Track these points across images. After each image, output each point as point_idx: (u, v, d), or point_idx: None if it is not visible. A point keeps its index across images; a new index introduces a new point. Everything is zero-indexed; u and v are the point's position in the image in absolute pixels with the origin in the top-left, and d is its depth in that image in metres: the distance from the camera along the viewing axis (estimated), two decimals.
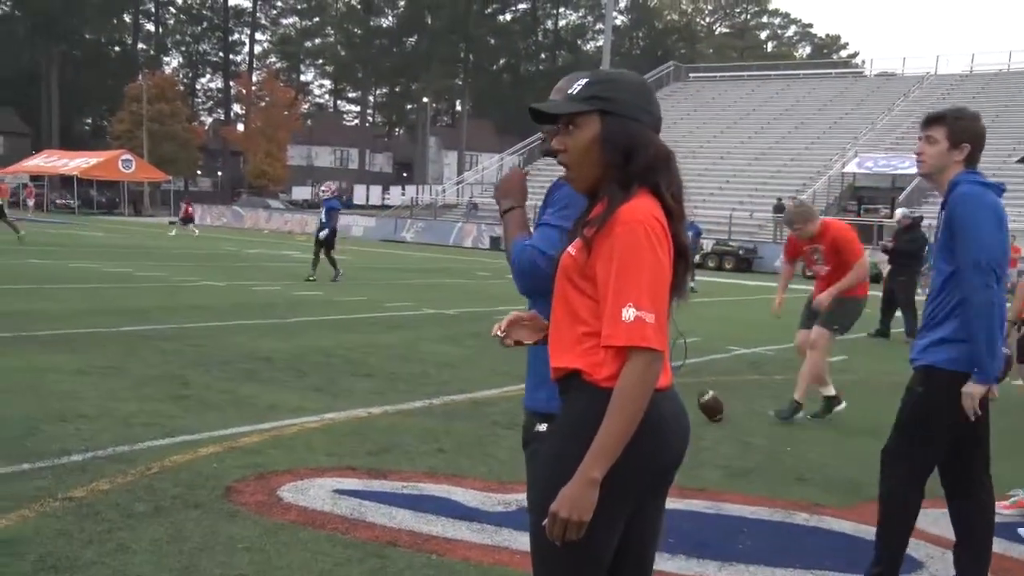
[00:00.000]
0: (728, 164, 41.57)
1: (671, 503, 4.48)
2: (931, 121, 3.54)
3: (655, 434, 1.97)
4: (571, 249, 2.05)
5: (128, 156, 51.57)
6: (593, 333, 1.98)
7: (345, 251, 27.86)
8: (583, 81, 2.11)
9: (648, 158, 2.00)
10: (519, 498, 4.42)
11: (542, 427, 2.63)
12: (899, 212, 14.13)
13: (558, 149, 2.09)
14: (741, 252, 31.25)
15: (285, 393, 6.71)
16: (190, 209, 35.55)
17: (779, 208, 30.15)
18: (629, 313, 1.89)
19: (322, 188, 18.32)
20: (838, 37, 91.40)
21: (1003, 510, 4.36)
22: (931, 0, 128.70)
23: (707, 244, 32.53)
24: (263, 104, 64.91)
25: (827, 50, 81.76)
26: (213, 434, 5.39)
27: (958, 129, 3.45)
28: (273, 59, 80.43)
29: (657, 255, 1.92)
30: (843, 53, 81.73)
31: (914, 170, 20.37)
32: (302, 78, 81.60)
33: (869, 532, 4.37)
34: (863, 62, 76.29)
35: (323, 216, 16.82)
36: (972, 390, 3.36)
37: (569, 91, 2.11)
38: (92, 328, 9.25)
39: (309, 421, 5.88)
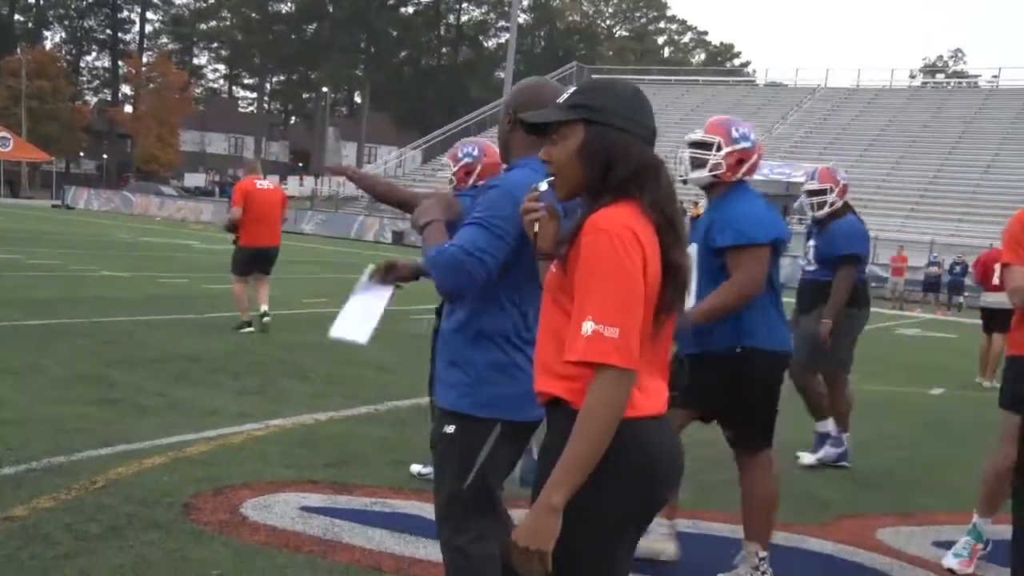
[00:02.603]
0: None
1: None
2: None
3: (643, 467, 1.88)
4: (552, 266, 1.97)
5: (5, 133, 48.71)
6: None
7: None
8: (571, 89, 2.04)
9: (628, 170, 1.90)
10: None
11: (450, 429, 2.56)
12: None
13: (544, 159, 2.01)
14: None
15: (223, 397, 6.35)
16: None
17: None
18: (587, 327, 1.78)
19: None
20: (732, 45, 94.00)
21: None
22: (820, 15, 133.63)
23: None
24: (154, 86, 62.44)
25: (720, 58, 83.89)
26: (156, 443, 5.03)
27: (510, 99, 2.89)
28: (165, 40, 77.53)
29: (624, 266, 1.80)
30: (736, 61, 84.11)
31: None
32: (195, 61, 78.96)
33: (846, 552, 4.39)
34: (754, 71, 78.54)
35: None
36: None
37: (558, 100, 2.03)
38: None
39: (254, 429, 5.57)
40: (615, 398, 1.78)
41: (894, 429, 7.48)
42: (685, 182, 3.51)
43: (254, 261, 9.79)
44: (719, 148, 3.65)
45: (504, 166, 2.81)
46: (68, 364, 6.96)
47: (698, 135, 3.75)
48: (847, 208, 5.84)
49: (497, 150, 5.88)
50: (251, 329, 9.47)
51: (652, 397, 1.92)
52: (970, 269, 23.36)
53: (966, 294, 24.68)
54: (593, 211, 1.89)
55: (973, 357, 11.67)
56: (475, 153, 4.59)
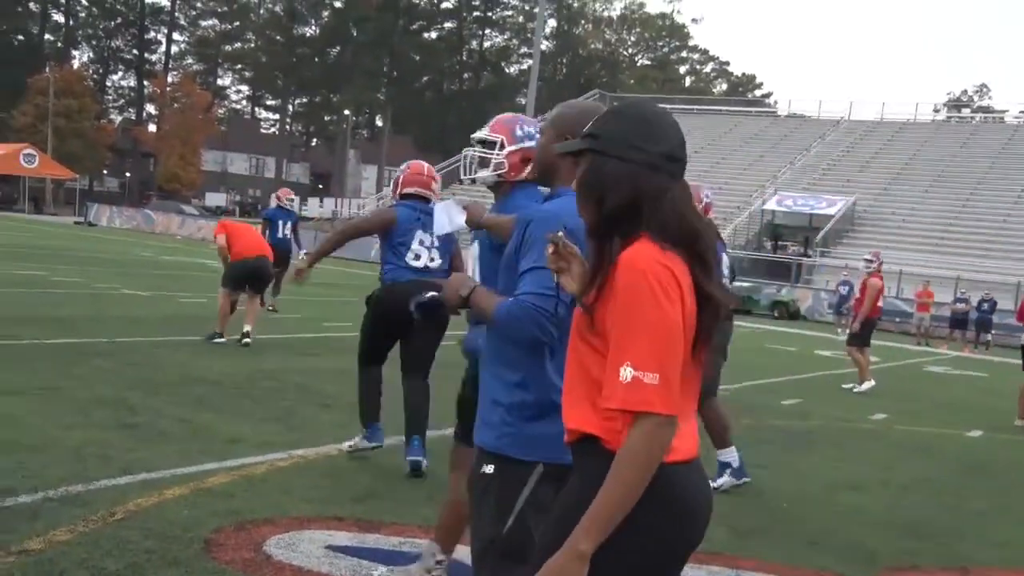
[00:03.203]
0: None
1: (689, 570, 4.20)
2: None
3: (675, 514, 1.80)
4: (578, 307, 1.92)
5: (31, 151, 49.13)
6: None
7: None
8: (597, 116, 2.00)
9: (620, 200, 1.83)
10: None
11: (488, 468, 2.41)
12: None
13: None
14: None
15: (244, 424, 6.17)
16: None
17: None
18: (626, 373, 1.71)
19: (282, 195, 14.72)
20: (754, 76, 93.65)
21: None
22: (843, 49, 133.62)
23: None
24: (178, 106, 62.94)
25: (742, 88, 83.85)
26: (176, 472, 4.85)
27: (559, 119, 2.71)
28: (190, 60, 78.24)
29: (662, 307, 1.73)
30: (757, 92, 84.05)
31: (830, 210, 21.45)
32: (219, 82, 79.58)
33: None
34: (775, 102, 78.47)
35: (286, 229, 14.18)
36: None
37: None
38: (16, 340, 8.49)
39: (278, 458, 5.39)
40: (657, 446, 1.71)
41: (935, 473, 7.21)
42: (474, 181, 3.49)
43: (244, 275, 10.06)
44: (502, 147, 3.49)
45: (545, 190, 2.67)
46: (89, 386, 6.81)
47: (483, 133, 3.60)
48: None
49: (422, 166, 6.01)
50: (223, 340, 9.69)
51: (686, 440, 1.85)
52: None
53: (994, 331, 24.30)
54: (610, 249, 1.82)
55: (1008, 397, 11.39)
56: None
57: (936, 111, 61.12)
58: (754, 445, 7.27)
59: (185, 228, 42.83)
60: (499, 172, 3.49)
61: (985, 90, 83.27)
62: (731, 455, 5.91)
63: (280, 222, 14.09)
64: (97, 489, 4.44)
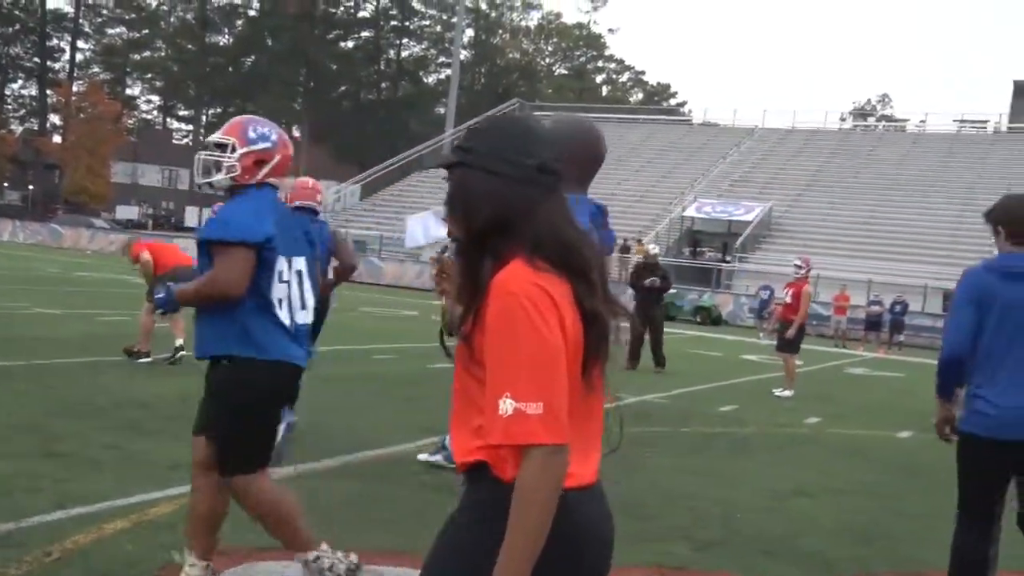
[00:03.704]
0: None
1: None
2: None
3: (576, 545, 1.71)
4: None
5: None
6: None
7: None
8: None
9: (487, 216, 1.72)
10: None
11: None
12: (651, 247, 14.79)
13: None
14: None
15: (181, 448, 5.83)
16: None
17: (625, 249, 30.76)
18: (507, 406, 1.61)
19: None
20: (668, 85, 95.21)
21: None
22: (755, 59, 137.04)
23: None
24: (84, 116, 60.88)
25: (657, 97, 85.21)
26: (114, 504, 4.60)
27: None
28: (96, 69, 75.85)
29: (539, 332, 1.62)
30: (672, 101, 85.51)
31: (747, 216, 21.82)
32: (128, 91, 77.36)
33: None
34: (690, 111, 79.82)
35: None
36: None
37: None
38: None
39: None
40: (550, 478, 1.61)
41: (873, 476, 7.33)
42: (211, 185, 3.50)
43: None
44: (233, 150, 3.50)
45: None
46: (6, 411, 6.45)
47: (216, 136, 3.61)
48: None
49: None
50: (149, 360, 9.41)
51: (582, 465, 1.74)
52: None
53: (907, 332, 25.09)
54: (482, 272, 1.71)
55: (928, 399, 11.68)
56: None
57: (843, 119, 63.08)
58: (700, 452, 7.29)
59: (96, 242, 41.48)
60: (232, 175, 3.45)
61: (887, 99, 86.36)
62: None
63: None
64: (29, 527, 4.17)
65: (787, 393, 11.51)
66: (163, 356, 9.47)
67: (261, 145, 3.49)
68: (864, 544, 5.32)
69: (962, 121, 50.18)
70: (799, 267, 11.84)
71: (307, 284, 3.66)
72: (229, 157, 3.46)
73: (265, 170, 3.51)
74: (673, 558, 4.59)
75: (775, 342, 12.52)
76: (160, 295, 3.57)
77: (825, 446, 8.46)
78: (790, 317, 11.44)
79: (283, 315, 3.50)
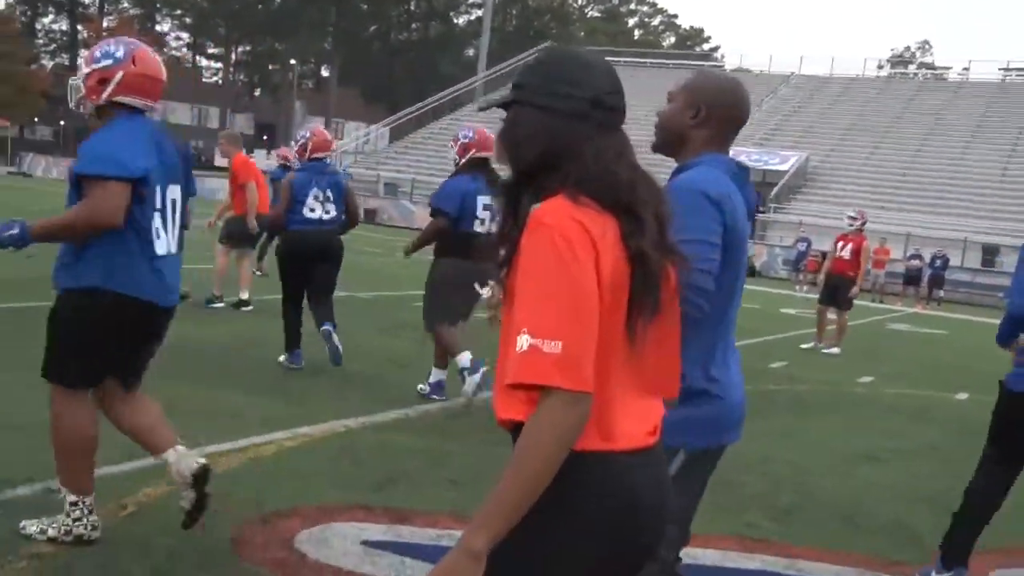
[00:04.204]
0: None
1: (745, 560, 4.01)
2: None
3: (621, 514, 1.58)
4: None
5: None
6: None
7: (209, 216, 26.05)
8: None
9: (533, 152, 1.65)
10: None
11: None
12: None
13: None
14: None
15: (240, 397, 5.81)
16: None
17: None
18: (523, 341, 1.49)
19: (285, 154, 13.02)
20: (702, 30, 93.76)
21: None
22: (791, 3, 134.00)
23: None
24: None
25: (690, 42, 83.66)
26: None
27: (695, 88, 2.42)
28: (126, 4, 75.28)
29: (568, 268, 1.51)
30: (705, 46, 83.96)
31: (783, 166, 21.58)
32: (158, 28, 76.84)
33: None
34: (723, 56, 78.29)
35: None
36: None
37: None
38: None
39: (284, 438, 5.05)
40: (557, 427, 1.48)
41: (940, 440, 7.13)
42: (79, 107, 3.39)
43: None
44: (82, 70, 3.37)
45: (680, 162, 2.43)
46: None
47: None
48: (466, 167, 6.17)
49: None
50: (221, 305, 9.51)
51: (632, 425, 1.63)
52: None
53: (946, 288, 24.67)
54: (519, 209, 1.63)
55: (978, 357, 11.46)
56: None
57: (880, 67, 61.65)
58: (764, 413, 7.12)
59: None
60: (77, 97, 3.34)
61: (927, 47, 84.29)
62: (464, 360, 6.06)
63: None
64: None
65: (835, 350, 11.27)
66: (231, 299, 9.39)
67: (104, 63, 3.30)
68: (945, 513, 5.14)
69: (1007, 69, 48.85)
70: (854, 219, 11.50)
71: (178, 214, 3.53)
72: (74, 79, 3.37)
73: (109, 88, 3.29)
74: (754, 529, 4.44)
75: (816, 295, 12.23)
76: (12, 231, 3.24)
77: (884, 407, 8.26)
78: (849, 272, 11.08)
79: (158, 246, 3.37)
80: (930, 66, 66.43)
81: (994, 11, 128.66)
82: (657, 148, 2.48)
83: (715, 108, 2.35)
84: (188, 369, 6.43)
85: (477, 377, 5.90)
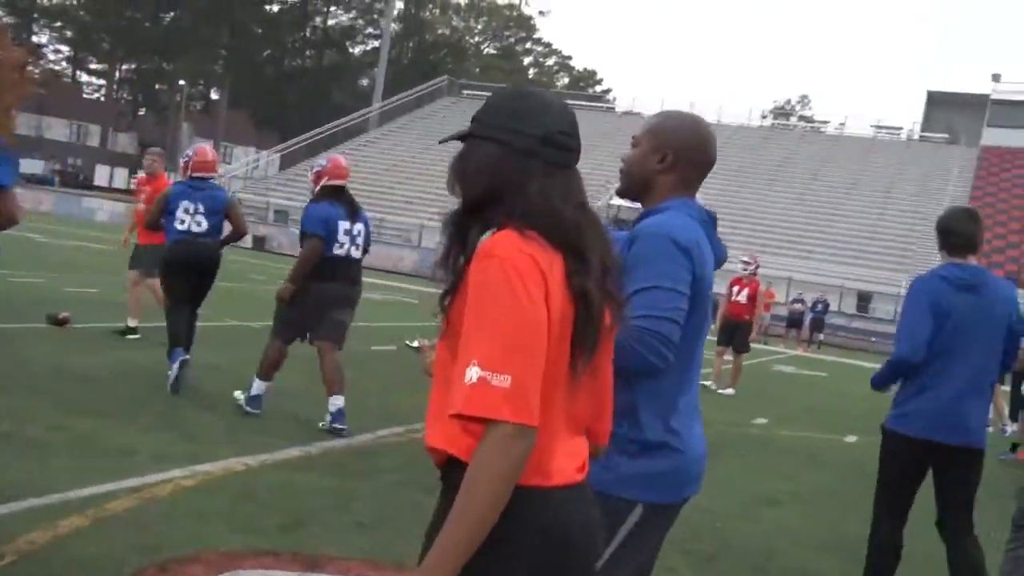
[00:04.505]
0: None
1: None
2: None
3: (554, 549, 1.55)
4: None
5: None
6: None
7: (99, 239, 25.00)
8: None
9: (479, 186, 1.65)
10: None
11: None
12: None
13: None
14: None
15: (130, 431, 5.46)
16: None
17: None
18: (472, 373, 1.48)
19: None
20: (594, 72, 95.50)
21: None
22: (681, 52, 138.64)
23: None
24: None
25: (583, 83, 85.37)
26: (69, 496, 4.17)
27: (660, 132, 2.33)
28: (0, 13, 72.00)
29: (519, 301, 1.50)
30: (597, 88, 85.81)
31: None
32: (35, 39, 73.66)
33: None
34: (614, 98, 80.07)
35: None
36: None
37: None
38: None
39: (180, 477, 4.74)
40: (504, 461, 1.46)
41: (836, 484, 7.30)
42: None
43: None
44: None
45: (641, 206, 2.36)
46: None
47: None
48: (324, 194, 6.44)
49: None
50: (137, 336, 8.96)
51: (566, 461, 1.62)
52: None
53: (827, 331, 25.62)
54: (466, 240, 1.63)
55: (859, 399, 11.85)
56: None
57: (764, 117, 64.14)
58: None
59: None
60: None
61: (807, 100, 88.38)
62: (257, 387, 6.40)
63: None
64: None
65: (730, 391, 11.49)
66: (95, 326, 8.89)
67: None
68: (850, 560, 5.21)
69: (879, 127, 51.55)
70: (748, 263, 11.80)
71: None
72: None
73: None
74: (673, 574, 4.39)
75: (715, 338, 12.48)
76: None
77: (779, 449, 8.41)
78: (745, 316, 11.34)
79: None
80: (809, 119, 69.50)
81: (867, 70, 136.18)
82: (622, 193, 2.41)
83: (682, 152, 2.28)
84: (72, 399, 6.02)
85: (243, 403, 6.38)
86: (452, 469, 1.56)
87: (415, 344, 2.39)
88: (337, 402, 6.22)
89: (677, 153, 2.28)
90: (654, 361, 2.08)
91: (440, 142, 1.99)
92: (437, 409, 1.60)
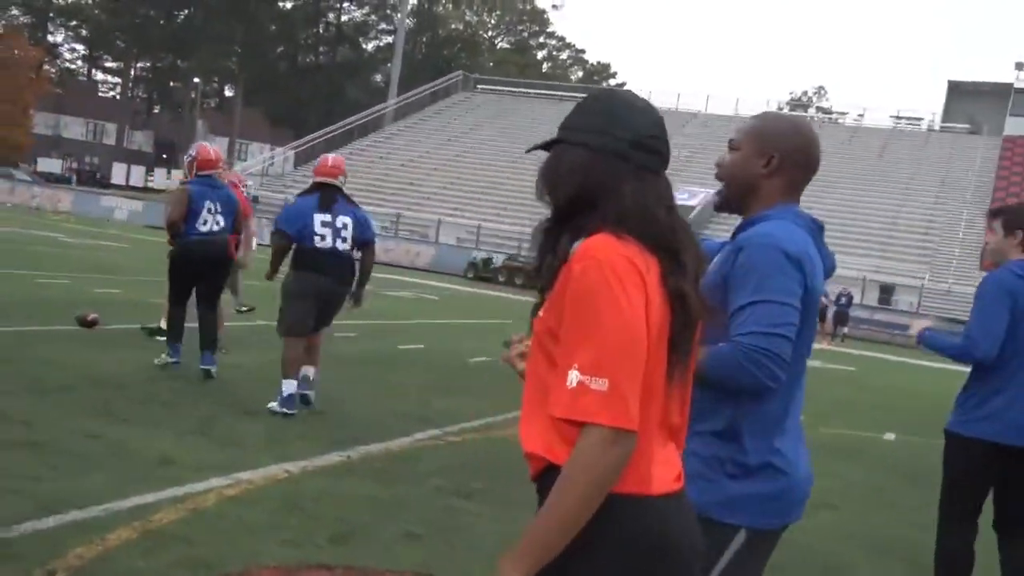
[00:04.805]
0: (521, 179, 41.80)
1: None
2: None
3: (646, 556, 1.53)
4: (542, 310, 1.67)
5: None
6: None
7: (118, 238, 25.01)
8: None
9: (571, 190, 1.64)
10: None
11: None
12: None
13: None
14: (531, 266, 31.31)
15: (168, 439, 5.33)
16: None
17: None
18: (573, 377, 1.48)
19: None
20: (608, 65, 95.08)
21: None
22: (697, 45, 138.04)
23: (498, 259, 32.41)
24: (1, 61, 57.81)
25: (597, 77, 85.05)
26: (112, 507, 4.04)
27: (764, 133, 2.20)
28: (15, 12, 72.19)
29: (619, 305, 1.49)
30: (611, 81, 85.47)
31: (691, 201, 22.12)
32: (51, 39, 73.88)
33: None
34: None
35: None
36: None
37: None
38: None
39: (222, 485, 4.61)
40: (600, 463, 1.46)
41: (883, 481, 7.14)
42: None
43: None
44: None
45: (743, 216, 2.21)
46: None
47: None
48: (311, 190, 6.77)
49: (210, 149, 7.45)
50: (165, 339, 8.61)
51: (663, 469, 1.60)
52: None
53: (851, 324, 25.37)
54: (559, 244, 1.62)
55: (892, 394, 11.66)
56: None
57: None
58: None
59: (16, 195, 39.56)
60: None
61: (823, 92, 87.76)
62: (288, 387, 6.38)
63: None
64: (21, 536, 3.59)
65: None
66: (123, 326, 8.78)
67: None
68: (917, 567, 5.05)
69: (898, 117, 51.10)
70: None
71: None
72: None
73: None
74: None
75: None
76: None
77: (820, 445, 8.19)
78: None
79: None
80: (826, 111, 68.99)
81: (884, 61, 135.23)
82: (723, 203, 2.24)
83: (789, 154, 2.15)
84: (105, 405, 5.91)
85: (276, 407, 6.31)
86: (547, 478, 1.53)
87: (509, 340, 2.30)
88: (288, 386, 6.36)
89: (783, 156, 2.15)
90: (765, 381, 1.95)
91: (527, 151, 1.96)
92: (530, 411, 1.59)
